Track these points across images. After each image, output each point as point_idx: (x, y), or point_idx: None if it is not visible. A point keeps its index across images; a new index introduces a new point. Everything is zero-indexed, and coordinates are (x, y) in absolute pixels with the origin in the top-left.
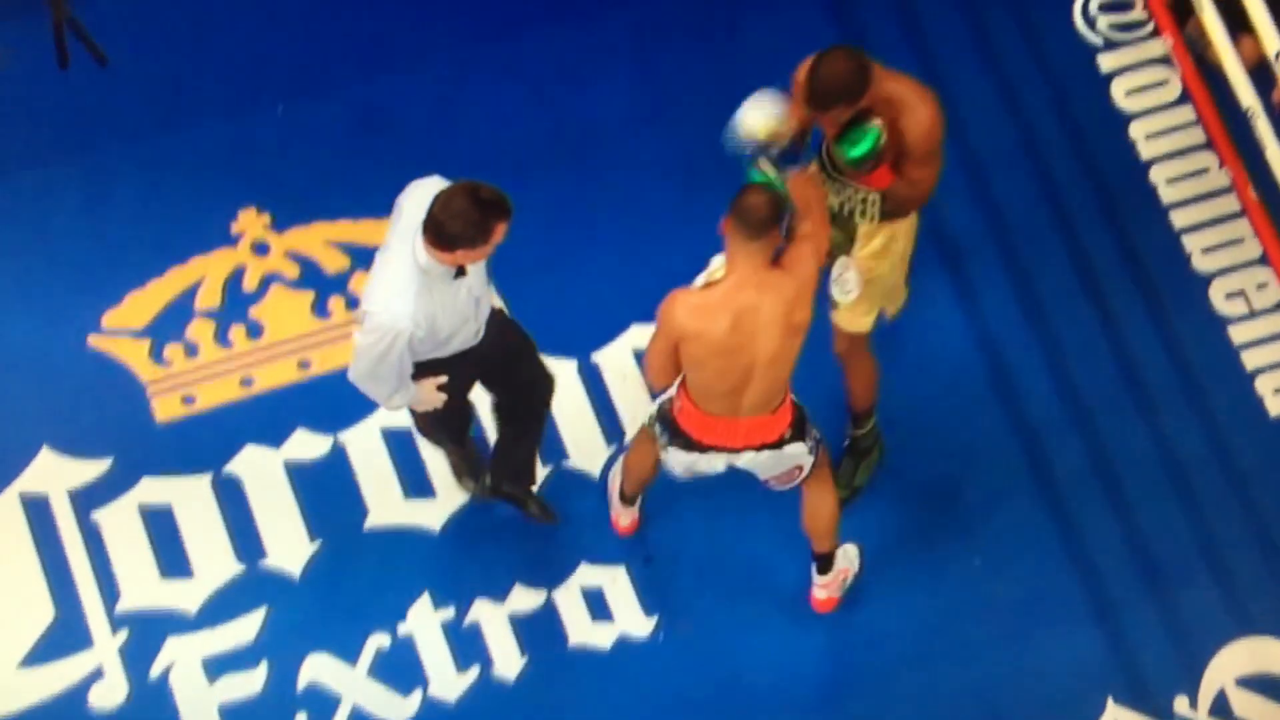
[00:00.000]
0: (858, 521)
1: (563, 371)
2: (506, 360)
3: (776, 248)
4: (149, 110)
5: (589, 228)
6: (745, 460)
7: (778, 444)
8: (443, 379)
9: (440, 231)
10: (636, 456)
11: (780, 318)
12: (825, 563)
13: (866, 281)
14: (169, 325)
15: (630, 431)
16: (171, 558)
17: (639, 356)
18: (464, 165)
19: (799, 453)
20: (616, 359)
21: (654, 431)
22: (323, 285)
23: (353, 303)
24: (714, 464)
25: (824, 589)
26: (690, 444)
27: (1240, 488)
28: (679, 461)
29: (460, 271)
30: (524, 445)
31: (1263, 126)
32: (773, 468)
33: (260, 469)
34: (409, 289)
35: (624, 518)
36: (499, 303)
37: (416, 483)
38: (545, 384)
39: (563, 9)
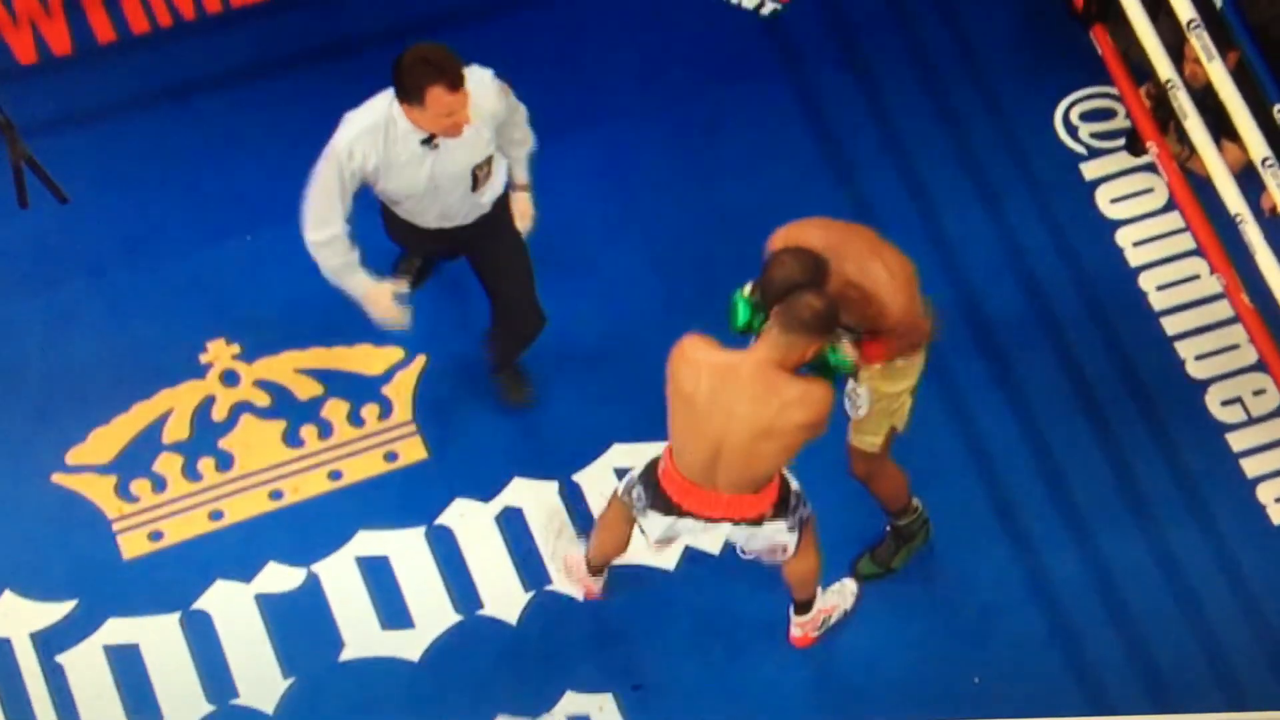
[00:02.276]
0: (850, 637)
1: (544, 493)
2: (487, 268)
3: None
4: (113, 244)
5: (566, 345)
6: (723, 531)
7: (756, 521)
8: (403, 289)
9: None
10: (608, 532)
11: (755, 416)
12: (803, 607)
13: (875, 400)
14: (135, 460)
15: None
16: (139, 701)
17: (621, 476)
18: (436, 288)
19: (778, 531)
20: (598, 479)
21: (631, 497)
22: (294, 414)
23: (325, 430)
24: (692, 530)
25: (799, 627)
26: (670, 507)
27: (1245, 599)
28: (656, 525)
29: (430, 141)
30: (504, 348)
31: (1252, 232)
32: (751, 542)
33: (231, 604)
34: (363, 122)
35: (595, 585)
36: (524, 223)
37: (394, 612)
38: (527, 317)
39: (535, 126)
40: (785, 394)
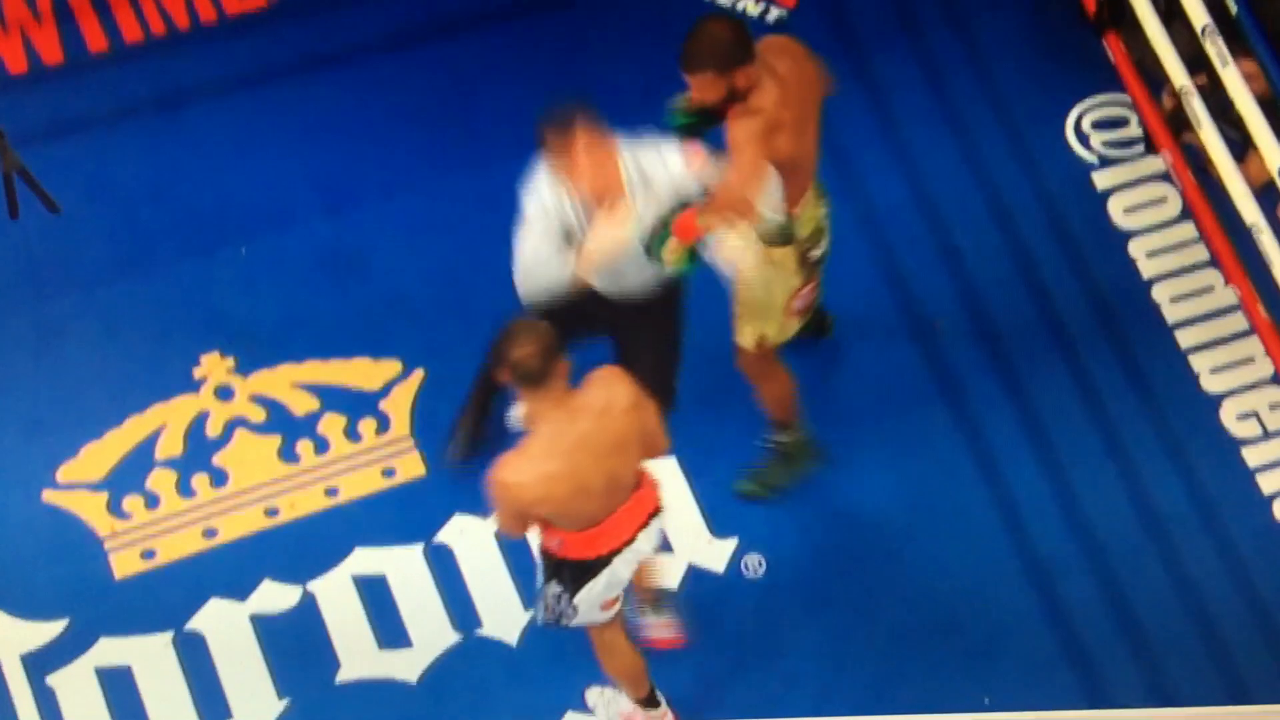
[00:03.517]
0: (858, 657)
1: None
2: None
3: None
4: (105, 256)
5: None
6: (645, 545)
7: (659, 510)
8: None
9: None
10: (615, 656)
11: (608, 431)
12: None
13: (740, 300)
14: (128, 476)
15: None
16: None
17: None
18: (435, 301)
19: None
20: None
21: (558, 608)
22: (290, 429)
23: (322, 446)
24: (628, 565)
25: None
26: (593, 566)
27: (1265, 620)
28: (593, 597)
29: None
30: None
31: (1268, 243)
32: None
33: (225, 624)
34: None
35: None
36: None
37: (391, 632)
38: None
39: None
40: (597, 403)
